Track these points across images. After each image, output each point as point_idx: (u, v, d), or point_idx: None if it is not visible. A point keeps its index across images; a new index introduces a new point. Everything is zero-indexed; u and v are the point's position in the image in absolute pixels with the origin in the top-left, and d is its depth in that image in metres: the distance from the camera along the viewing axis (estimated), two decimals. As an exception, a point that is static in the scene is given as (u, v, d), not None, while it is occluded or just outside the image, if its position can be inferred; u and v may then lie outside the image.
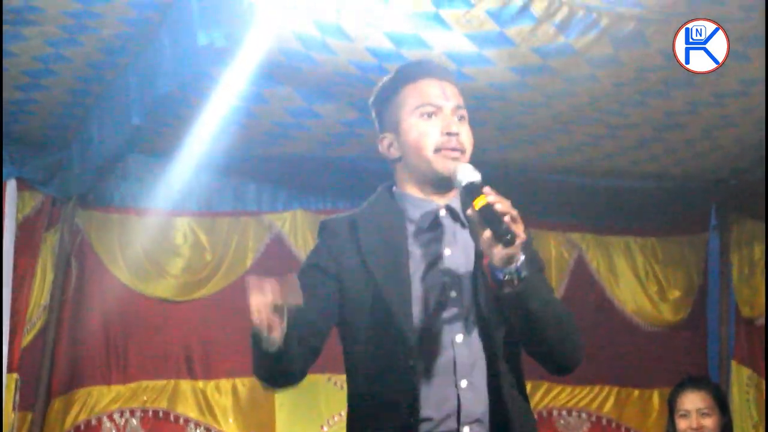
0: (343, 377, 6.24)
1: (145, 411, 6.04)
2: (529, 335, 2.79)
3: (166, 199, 5.89)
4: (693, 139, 5.54)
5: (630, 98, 4.82)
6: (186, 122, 5.03)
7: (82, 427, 5.92)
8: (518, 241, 2.66)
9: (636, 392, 6.58)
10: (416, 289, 2.83)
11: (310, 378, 6.22)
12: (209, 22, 4.03)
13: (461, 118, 2.94)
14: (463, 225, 2.91)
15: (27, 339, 5.85)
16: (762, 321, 6.31)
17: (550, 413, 6.52)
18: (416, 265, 2.86)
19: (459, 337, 2.81)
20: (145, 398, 6.04)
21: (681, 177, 6.42)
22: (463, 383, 2.80)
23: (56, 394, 5.91)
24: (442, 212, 2.93)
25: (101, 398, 5.95)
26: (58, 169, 5.83)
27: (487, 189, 2.71)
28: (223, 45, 3.95)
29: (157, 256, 6.08)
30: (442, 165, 2.88)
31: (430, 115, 2.91)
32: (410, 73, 2.99)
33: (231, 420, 6.16)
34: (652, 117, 5.13)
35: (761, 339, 6.35)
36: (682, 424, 5.30)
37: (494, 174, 6.01)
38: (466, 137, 2.92)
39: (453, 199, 2.93)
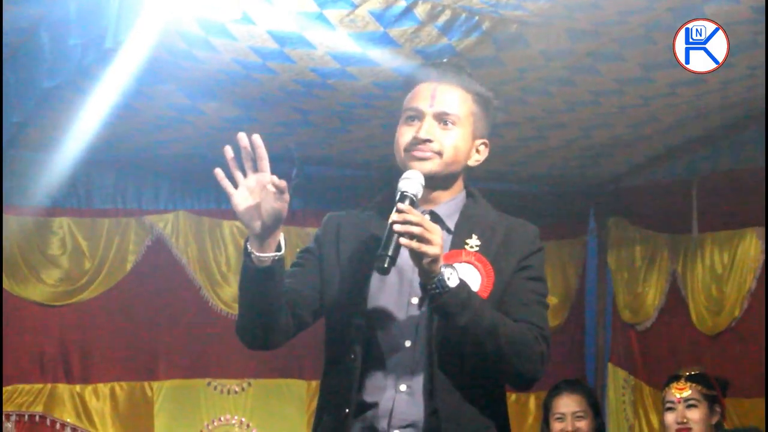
0: (223, 381, 6.27)
1: (20, 415, 5.94)
2: (468, 349, 2.79)
3: (44, 197, 5.79)
4: (572, 139, 5.62)
5: (511, 96, 4.86)
6: (66, 118, 4.95)
7: (-45, 432, 5.80)
8: (428, 260, 2.65)
9: (513, 396, 6.62)
10: (377, 288, 2.85)
11: (189, 382, 6.23)
12: (85, 21, 3.99)
13: (446, 123, 2.91)
14: (448, 231, 2.90)
15: None
16: (644, 326, 6.41)
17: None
18: None
19: (407, 342, 2.83)
20: (20, 402, 5.94)
21: (560, 181, 6.50)
22: (402, 387, 2.82)
23: (-73, 397, 5.79)
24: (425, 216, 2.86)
25: (-26, 401, 5.83)
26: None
27: (401, 206, 2.70)
28: (99, 47, 3.93)
29: (34, 263, 5.99)
30: (406, 166, 2.88)
31: (413, 118, 2.92)
32: (415, 77, 3.01)
33: (109, 425, 6.09)
34: (532, 115, 5.18)
35: (638, 342, 6.46)
36: (557, 426, 5.35)
37: (378, 174, 6.09)
38: (444, 143, 2.89)
39: (445, 203, 2.93)
